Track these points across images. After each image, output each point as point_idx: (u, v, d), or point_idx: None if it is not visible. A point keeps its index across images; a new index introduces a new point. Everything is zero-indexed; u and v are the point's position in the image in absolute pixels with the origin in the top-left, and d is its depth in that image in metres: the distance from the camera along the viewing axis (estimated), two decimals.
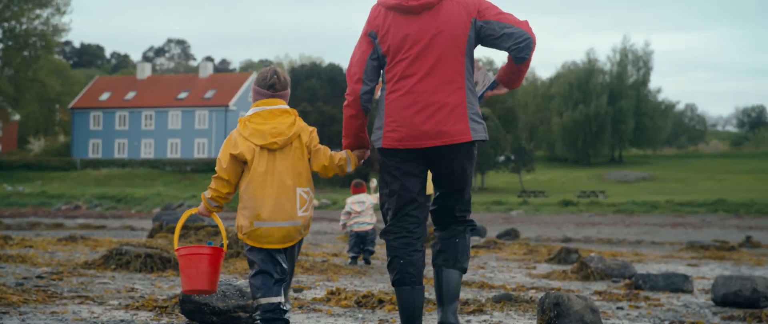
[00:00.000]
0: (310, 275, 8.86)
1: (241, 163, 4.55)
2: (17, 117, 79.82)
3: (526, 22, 4.40)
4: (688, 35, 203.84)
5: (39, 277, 7.55)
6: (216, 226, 11.42)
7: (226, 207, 4.99)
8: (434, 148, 4.36)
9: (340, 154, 4.66)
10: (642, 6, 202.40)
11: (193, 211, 4.82)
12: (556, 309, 5.22)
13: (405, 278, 4.40)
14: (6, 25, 70.60)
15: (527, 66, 4.43)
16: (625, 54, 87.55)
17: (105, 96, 79.56)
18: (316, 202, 45.87)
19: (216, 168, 4.59)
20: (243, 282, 6.04)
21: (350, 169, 4.66)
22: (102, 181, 63.86)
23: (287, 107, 4.59)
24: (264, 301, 4.50)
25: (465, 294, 7.50)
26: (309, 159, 4.60)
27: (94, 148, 77.79)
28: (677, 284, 8.13)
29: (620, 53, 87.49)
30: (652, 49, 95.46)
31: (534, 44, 4.36)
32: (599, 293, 7.66)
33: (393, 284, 4.44)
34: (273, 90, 4.58)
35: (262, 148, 4.49)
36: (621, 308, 6.75)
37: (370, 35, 4.42)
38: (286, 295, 4.64)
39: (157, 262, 8.42)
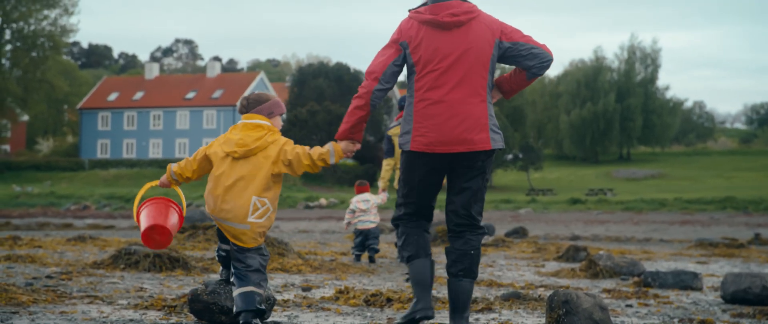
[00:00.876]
0: (319, 274, 8.87)
1: (208, 162, 5.11)
2: (26, 118, 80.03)
3: (545, 45, 4.89)
4: (696, 32, 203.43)
5: (48, 277, 7.58)
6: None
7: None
8: (459, 154, 4.78)
9: (322, 150, 4.97)
10: (649, 3, 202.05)
11: (154, 183, 5.30)
12: (565, 307, 5.22)
13: (420, 252, 4.89)
14: (14, 26, 70.79)
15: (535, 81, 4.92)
16: (633, 51, 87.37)
17: (113, 96, 79.72)
18: (323, 202, 46.06)
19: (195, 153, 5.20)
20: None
21: (333, 160, 4.96)
22: (110, 182, 63.99)
23: (264, 123, 5.02)
24: (223, 245, 5.20)
25: (474, 292, 7.50)
26: (288, 168, 4.98)
27: (103, 149, 77.96)
28: (686, 282, 8.11)
29: (628, 51, 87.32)
30: (659, 46, 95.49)
31: (551, 64, 4.89)
32: (608, 291, 7.65)
33: (408, 260, 4.89)
34: (246, 110, 5.08)
35: (227, 154, 4.99)
36: (630, 306, 6.74)
37: (402, 45, 4.80)
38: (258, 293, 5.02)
39: (166, 262, 8.44)
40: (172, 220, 5.18)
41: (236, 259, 5.05)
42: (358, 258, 10.63)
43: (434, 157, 4.80)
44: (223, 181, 4.96)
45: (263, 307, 4.98)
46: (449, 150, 4.75)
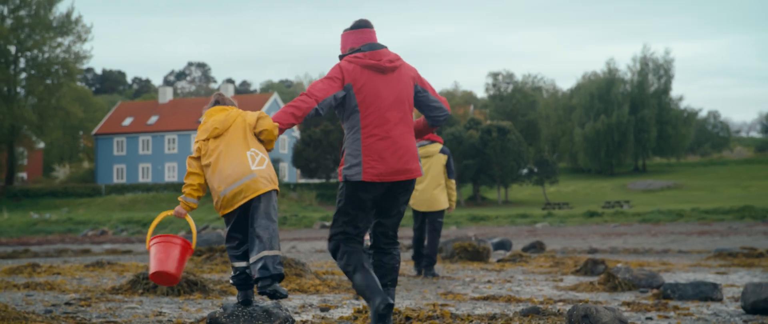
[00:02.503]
0: (337, 294, 8.86)
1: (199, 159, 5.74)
2: (42, 145, 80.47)
3: (445, 100, 5.74)
4: (708, 42, 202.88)
5: (67, 303, 7.60)
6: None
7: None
8: (400, 182, 5.50)
9: (271, 122, 5.66)
10: (661, 14, 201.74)
11: (169, 212, 5.82)
12: (585, 321, 5.20)
13: (358, 267, 5.41)
14: (29, 54, 71.33)
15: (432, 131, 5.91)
16: (646, 63, 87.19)
17: (128, 121, 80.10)
18: None
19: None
20: (270, 303, 6.05)
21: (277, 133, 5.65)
22: (127, 206, 64.21)
23: (229, 106, 5.85)
24: (236, 264, 5.70)
25: (492, 308, 7.48)
26: (257, 125, 5.68)
27: (119, 174, 78.26)
28: (706, 293, 8.07)
29: (640, 62, 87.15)
30: (672, 56, 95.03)
31: (447, 118, 6.01)
32: (627, 304, 7.61)
33: (354, 271, 5.40)
34: (217, 104, 5.89)
35: (207, 138, 5.69)
36: (650, 319, 6.71)
37: (346, 86, 5.41)
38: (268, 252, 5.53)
39: (184, 286, 8.45)
40: (177, 260, 5.65)
41: (253, 224, 5.52)
42: None
43: (382, 186, 5.46)
44: (218, 161, 5.58)
45: (282, 268, 5.52)
46: (395, 179, 5.44)
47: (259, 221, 5.53)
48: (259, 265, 5.46)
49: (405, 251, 18.94)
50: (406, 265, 13.56)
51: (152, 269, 5.57)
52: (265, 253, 5.49)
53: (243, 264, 5.72)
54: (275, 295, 5.47)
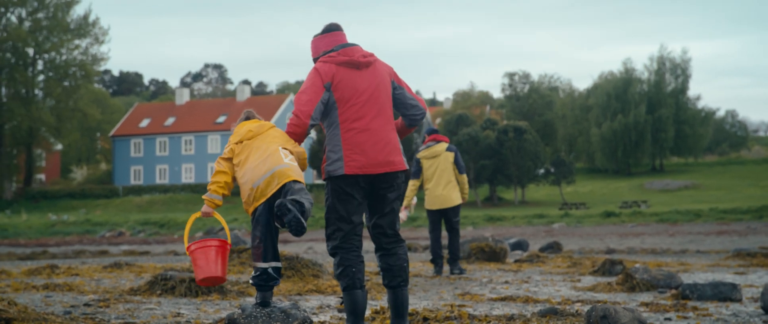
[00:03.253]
0: None
1: (230, 159, 5.99)
2: (60, 146, 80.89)
3: (423, 100, 5.82)
4: (726, 41, 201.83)
5: (86, 304, 7.63)
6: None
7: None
8: (384, 174, 5.49)
9: (301, 148, 5.96)
10: (678, 13, 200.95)
11: (198, 214, 6.04)
12: (604, 322, 5.18)
13: (356, 283, 5.40)
14: (46, 56, 71.74)
15: (414, 130, 5.68)
16: (663, 62, 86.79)
17: (145, 123, 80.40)
18: None
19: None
20: (287, 304, 6.06)
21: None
22: (144, 207, 64.45)
23: (253, 119, 6.19)
24: (257, 264, 5.77)
25: (510, 309, 7.47)
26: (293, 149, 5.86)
27: (136, 175, 78.57)
28: (725, 293, 8.03)
29: (657, 62, 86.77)
30: (689, 56, 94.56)
31: (424, 117, 5.88)
32: (646, 304, 7.58)
33: (345, 289, 5.40)
34: (247, 119, 6.23)
35: (241, 141, 5.93)
36: (669, 319, 6.68)
37: (325, 86, 5.49)
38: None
39: (202, 287, 8.47)
40: (217, 261, 5.91)
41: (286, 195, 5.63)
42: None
43: (365, 179, 5.47)
44: (250, 158, 5.82)
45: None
46: (378, 171, 5.45)
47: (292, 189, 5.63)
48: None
49: (422, 251, 18.93)
50: (424, 265, 13.56)
51: (198, 277, 5.91)
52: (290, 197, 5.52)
53: (265, 265, 5.80)
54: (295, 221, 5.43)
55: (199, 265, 5.87)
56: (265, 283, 5.84)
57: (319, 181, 69.42)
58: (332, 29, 5.70)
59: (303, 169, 5.88)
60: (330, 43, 5.65)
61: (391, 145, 5.53)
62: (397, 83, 5.70)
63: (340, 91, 5.49)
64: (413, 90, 5.95)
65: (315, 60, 5.71)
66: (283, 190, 5.67)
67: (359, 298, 5.41)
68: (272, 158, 5.73)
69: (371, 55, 5.63)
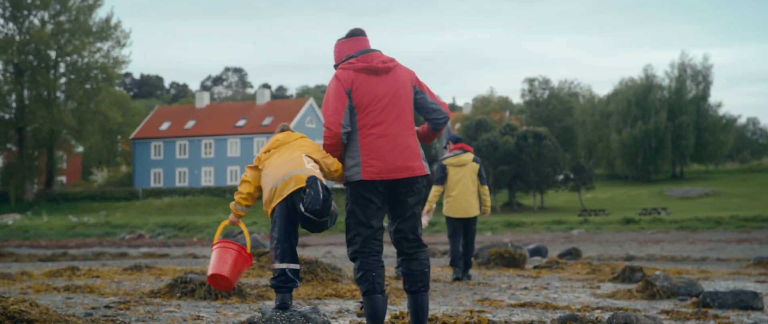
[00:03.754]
0: None
1: (257, 170, 6.22)
2: (80, 149, 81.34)
3: (445, 104, 5.79)
4: (747, 47, 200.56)
5: (107, 306, 7.67)
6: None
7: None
8: (402, 180, 5.51)
9: (337, 162, 5.86)
10: (699, 20, 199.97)
11: (226, 222, 6.25)
12: None
13: (376, 288, 5.44)
14: (68, 59, 72.19)
15: (439, 135, 5.96)
16: (684, 69, 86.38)
17: (165, 126, 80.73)
18: None
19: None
20: (307, 308, 6.07)
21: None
22: (164, 210, 64.71)
23: (288, 132, 6.37)
24: (275, 266, 5.86)
25: (529, 315, 7.45)
26: (320, 158, 6.01)
27: (156, 178, 78.90)
28: (746, 301, 7.98)
29: (678, 68, 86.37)
30: (711, 62, 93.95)
31: (448, 122, 5.78)
32: (666, 312, 7.55)
33: (365, 293, 5.44)
34: (283, 131, 6.44)
35: (268, 150, 6.16)
36: None
37: (346, 92, 5.53)
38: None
39: (221, 290, 8.48)
40: (231, 264, 6.10)
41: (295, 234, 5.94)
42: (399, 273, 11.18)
43: (383, 184, 5.49)
44: (272, 164, 6.04)
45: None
46: (396, 176, 5.46)
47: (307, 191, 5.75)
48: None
49: (440, 257, 18.90)
50: (443, 270, 13.55)
51: (208, 273, 6.15)
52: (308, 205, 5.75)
53: (282, 265, 5.89)
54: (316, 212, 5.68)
55: (212, 262, 6.07)
56: (283, 284, 5.90)
57: (339, 186, 69.48)
58: (355, 34, 5.73)
59: (338, 171, 5.84)
60: (352, 47, 5.69)
61: (410, 150, 5.52)
62: (418, 87, 5.71)
63: (359, 97, 5.52)
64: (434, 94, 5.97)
65: (336, 65, 5.75)
66: (301, 193, 5.78)
67: (379, 302, 5.44)
68: (293, 162, 5.91)
69: (391, 60, 5.64)
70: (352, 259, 5.56)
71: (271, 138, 6.36)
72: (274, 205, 5.90)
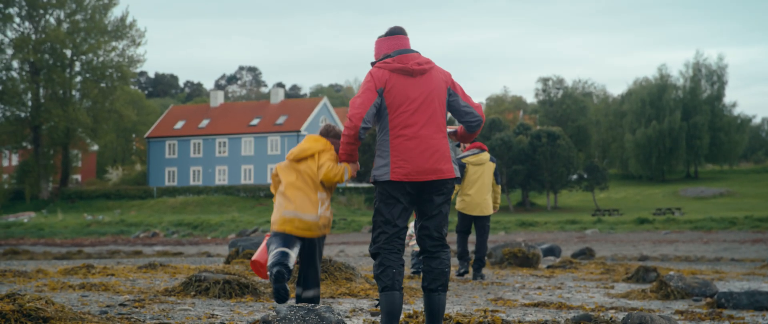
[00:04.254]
0: None
1: (278, 180, 6.63)
2: (96, 147, 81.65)
3: (480, 106, 5.82)
4: (762, 47, 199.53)
5: (122, 304, 7.71)
6: None
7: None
8: (430, 182, 5.59)
9: (340, 168, 6.32)
10: (713, 19, 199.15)
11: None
12: None
13: (395, 284, 5.53)
14: (84, 58, 72.48)
15: (476, 136, 6.03)
16: (699, 68, 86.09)
17: (179, 124, 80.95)
18: None
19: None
20: (322, 307, 6.09)
21: (347, 177, 6.29)
22: (178, 209, 64.90)
23: (320, 138, 6.53)
24: (274, 269, 6.27)
25: (543, 315, 7.45)
26: (321, 171, 6.35)
27: (170, 176, 79.13)
28: (762, 302, 7.95)
29: (693, 68, 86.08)
30: (726, 62, 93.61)
31: (482, 124, 5.86)
32: (681, 313, 7.53)
33: (383, 289, 5.53)
34: (324, 132, 6.65)
35: (288, 162, 6.48)
36: None
37: (378, 91, 5.59)
38: (312, 294, 6.47)
39: (236, 288, 8.52)
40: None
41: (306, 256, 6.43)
42: (418, 273, 11.74)
43: (411, 185, 5.58)
44: (288, 187, 6.35)
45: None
46: (424, 178, 5.53)
47: (309, 261, 6.45)
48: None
49: (453, 256, 18.88)
50: (453, 269, 13.55)
51: (253, 258, 6.66)
52: (310, 293, 6.48)
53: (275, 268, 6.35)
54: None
55: (258, 250, 6.61)
56: (276, 293, 6.37)
57: (352, 185, 69.50)
58: (395, 33, 5.79)
59: (338, 178, 6.32)
60: (391, 46, 5.75)
61: (440, 153, 5.56)
62: (452, 90, 5.76)
63: (392, 97, 5.58)
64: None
65: (373, 63, 5.80)
66: (303, 246, 6.46)
67: (396, 299, 5.51)
68: (300, 201, 6.32)
69: (427, 62, 5.68)
70: (373, 256, 5.64)
71: (305, 141, 6.64)
72: (275, 229, 6.43)
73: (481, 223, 11.71)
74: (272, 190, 6.71)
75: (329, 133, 6.67)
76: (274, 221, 6.45)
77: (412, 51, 5.71)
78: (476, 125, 5.82)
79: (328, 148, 6.46)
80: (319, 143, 6.48)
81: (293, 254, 6.33)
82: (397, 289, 5.51)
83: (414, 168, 5.51)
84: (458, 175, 5.69)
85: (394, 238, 5.60)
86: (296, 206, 6.29)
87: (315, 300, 6.50)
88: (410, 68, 5.60)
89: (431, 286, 5.60)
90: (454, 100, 5.75)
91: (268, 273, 6.27)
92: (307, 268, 6.57)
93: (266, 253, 6.54)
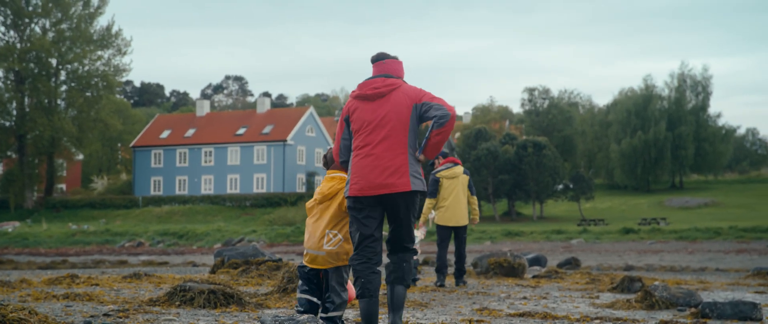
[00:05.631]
0: None
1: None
2: (81, 156, 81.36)
3: (452, 107, 6.13)
4: (747, 57, 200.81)
5: (106, 315, 7.68)
6: (276, 261, 12.33)
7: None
8: (384, 195, 6.02)
9: None
10: (699, 29, 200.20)
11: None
12: None
13: (365, 292, 6.01)
14: (69, 67, 72.28)
15: (444, 135, 6.03)
16: (684, 79, 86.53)
17: (165, 134, 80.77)
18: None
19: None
20: (306, 317, 6.09)
21: None
22: (164, 218, 64.71)
23: (337, 175, 6.59)
24: (300, 296, 6.68)
25: None
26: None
27: (156, 186, 78.91)
28: (745, 312, 7.98)
29: (678, 78, 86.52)
30: (710, 73, 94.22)
31: (452, 118, 6.04)
32: (665, 323, 7.55)
33: (357, 297, 6.04)
34: (327, 166, 6.78)
35: (314, 202, 6.71)
36: None
37: (345, 119, 6.21)
38: (336, 315, 6.54)
39: (221, 298, 8.50)
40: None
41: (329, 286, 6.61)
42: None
43: (366, 199, 6.05)
44: (309, 221, 6.68)
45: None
46: (377, 192, 5.99)
47: (332, 286, 6.59)
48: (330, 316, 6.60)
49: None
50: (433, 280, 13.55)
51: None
52: (334, 314, 6.58)
53: (306, 296, 6.69)
54: None
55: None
56: (308, 310, 6.69)
57: None
58: (375, 59, 6.29)
59: None
60: (373, 72, 6.28)
61: (392, 169, 5.98)
62: (419, 105, 6.09)
63: (354, 123, 6.16)
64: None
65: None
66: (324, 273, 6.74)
67: (368, 305, 5.99)
68: (316, 239, 6.60)
69: (388, 85, 6.10)
70: (350, 263, 6.15)
71: (322, 184, 6.88)
72: (304, 260, 6.78)
73: (459, 234, 12.18)
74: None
75: (330, 158, 7.02)
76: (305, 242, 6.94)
77: (382, 75, 6.15)
78: (444, 119, 5.99)
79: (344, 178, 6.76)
80: (336, 180, 6.69)
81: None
82: (367, 296, 5.99)
83: (366, 184, 5.98)
84: (420, 188, 6.05)
85: (364, 247, 6.10)
86: (313, 244, 6.69)
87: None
88: (365, 93, 6.10)
89: (389, 279, 6.16)
90: (427, 108, 6.07)
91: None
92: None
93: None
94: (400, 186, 5.98)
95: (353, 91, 6.23)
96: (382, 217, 6.18)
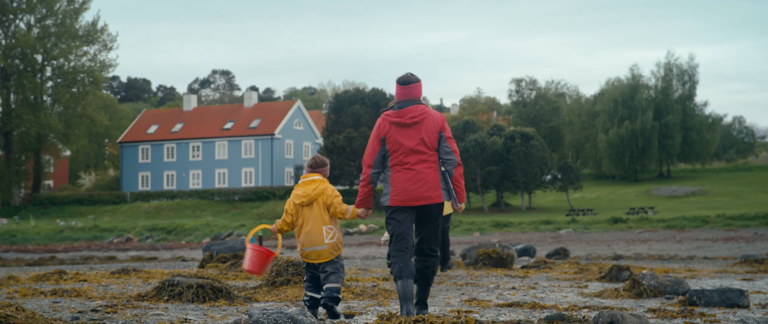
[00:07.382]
0: (361, 301, 8.87)
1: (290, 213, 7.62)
2: (68, 153, 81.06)
3: (457, 152, 7.27)
4: (732, 45, 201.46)
5: (94, 310, 7.66)
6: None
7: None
8: (420, 206, 7.15)
9: (344, 207, 7.48)
10: (685, 18, 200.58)
11: (266, 226, 7.64)
12: None
13: (402, 274, 7.03)
14: (55, 63, 71.94)
15: (460, 179, 7.24)
16: (670, 68, 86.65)
17: (153, 129, 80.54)
18: (363, 228, 46.34)
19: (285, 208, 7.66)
20: (294, 310, 6.08)
21: (349, 216, 7.45)
22: (152, 213, 64.56)
23: (318, 177, 7.56)
24: (307, 293, 7.52)
25: (517, 315, 7.48)
26: (330, 208, 7.49)
27: (144, 181, 78.71)
28: (733, 299, 8.02)
29: (664, 68, 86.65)
30: (697, 62, 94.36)
31: (458, 166, 7.22)
32: (653, 311, 7.58)
33: (396, 278, 7.06)
34: (311, 168, 7.65)
35: (297, 205, 7.53)
36: None
37: (381, 140, 7.23)
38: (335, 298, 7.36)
39: (209, 293, 8.49)
40: (259, 264, 7.57)
41: (322, 270, 7.43)
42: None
43: (405, 209, 7.14)
44: (303, 226, 7.45)
45: (340, 296, 7.37)
46: (414, 204, 7.10)
47: (326, 270, 7.44)
48: (325, 293, 7.35)
49: None
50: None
51: (244, 266, 7.67)
52: (329, 285, 7.37)
53: (314, 294, 7.48)
54: (331, 312, 7.28)
55: (248, 257, 7.50)
56: (311, 306, 7.51)
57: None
58: (406, 83, 7.25)
59: (342, 215, 7.46)
60: (401, 95, 7.27)
61: (429, 184, 7.11)
62: (444, 134, 7.23)
63: (390, 144, 7.20)
64: (429, 105, 7.50)
65: (390, 106, 7.33)
66: (319, 268, 7.46)
67: (408, 285, 7.00)
68: (317, 237, 7.42)
69: (421, 113, 7.18)
70: (388, 257, 7.41)
71: (297, 187, 7.60)
72: (302, 259, 7.55)
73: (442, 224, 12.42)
74: (287, 216, 7.61)
75: (316, 164, 7.67)
76: (298, 245, 7.59)
77: (413, 102, 7.20)
78: (451, 166, 7.21)
79: (324, 183, 7.55)
80: (316, 183, 7.52)
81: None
82: (406, 277, 6.99)
83: (408, 196, 7.09)
84: (446, 199, 7.16)
85: (400, 241, 7.14)
86: (311, 241, 7.47)
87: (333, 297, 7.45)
88: (404, 122, 7.15)
89: (416, 279, 7.22)
90: (443, 146, 7.23)
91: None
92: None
93: (259, 263, 7.66)
94: (435, 198, 7.11)
95: (388, 115, 7.20)
96: (414, 220, 7.23)
